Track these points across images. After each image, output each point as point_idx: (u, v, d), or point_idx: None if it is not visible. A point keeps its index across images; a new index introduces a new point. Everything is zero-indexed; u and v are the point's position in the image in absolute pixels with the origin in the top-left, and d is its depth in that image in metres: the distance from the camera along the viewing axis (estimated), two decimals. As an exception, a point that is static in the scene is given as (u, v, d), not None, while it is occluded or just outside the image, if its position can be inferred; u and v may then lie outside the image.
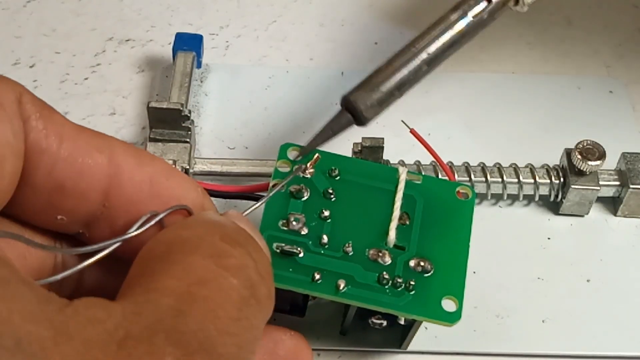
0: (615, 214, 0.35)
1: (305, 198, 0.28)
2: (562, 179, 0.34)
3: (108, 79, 0.39)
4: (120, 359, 0.17)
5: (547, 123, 0.38)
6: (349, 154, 0.33)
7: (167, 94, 0.36)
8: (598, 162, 0.33)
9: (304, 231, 0.27)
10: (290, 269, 0.26)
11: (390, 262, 0.27)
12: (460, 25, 0.30)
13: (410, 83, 0.30)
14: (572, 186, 0.34)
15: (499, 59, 0.41)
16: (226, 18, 0.42)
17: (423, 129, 0.32)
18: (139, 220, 0.21)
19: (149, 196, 0.22)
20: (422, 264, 0.27)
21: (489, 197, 0.35)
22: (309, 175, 0.29)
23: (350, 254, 0.27)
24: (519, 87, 0.40)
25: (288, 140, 0.30)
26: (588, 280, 0.33)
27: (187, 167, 0.34)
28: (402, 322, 0.28)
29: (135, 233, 0.21)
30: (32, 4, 0.42)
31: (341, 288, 0.26)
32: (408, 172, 0.29)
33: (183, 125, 0.34)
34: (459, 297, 0.27)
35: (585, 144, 0.34)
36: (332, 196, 0.28)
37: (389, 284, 0.27)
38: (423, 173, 0.33)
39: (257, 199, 0.28)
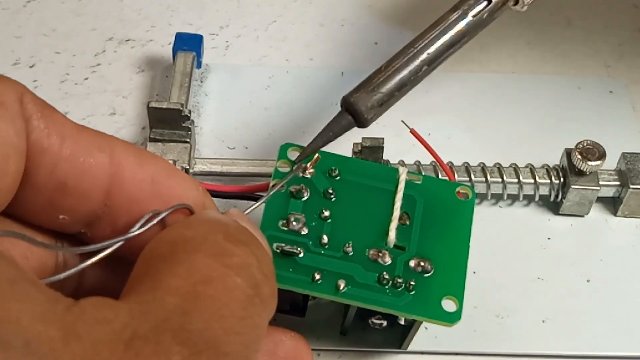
0: (615, 214, 0.35)
1: (305, 198, 0.28)
2: (562, 179, 0.34)
3: (108, 79, 0.39)
4: (128, 358, 0.17)
5: (547, 123, 0.38)
6: (349, 154, 0.33)
7: (167, 94, 0.36)
8: (598, 162, 0.33)
9: (304, 231, 0.27)
10: (290, 269, 0.26)
11: (390, 262, 0.27)
12: (460, 25, 0.30)
13: (410, 84, 0.30)
14: (572, 186, 0.34)
15: (499, 59, 0.41)
16: (226, 18, 0.42)
17: (423, 129, 0.32)
18: (141, 219, 0.21)
19: (151, 195, 0.22)
20: (422, 264, 0.27)
21: (489, 197, 0.35)
22: (309, 175, 0.29)
23: (351, 254, 0.27)
24: (519, 87, 0.40)
25: (288, 141, 0.30)
26: (588, 280, 0.33)
27: (187, 167, 0.34)
28: (402, 322, 0.28)
29: (138, 232, 0.21)
30: (32, 4, 0.42)
31: (341, 288, 0.26)
32: (408, 172, 0.29)
33: (183, 125, 0.34)
34: (459, 297, 0.27)
35: (585, 144, 0.34)
36: (332, 196, 0.28)
37: (389, 284, 0.27)
38: (423, 173, 0.33)
39: (257, 199, 0.28)
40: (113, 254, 0.21)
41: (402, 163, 0.34)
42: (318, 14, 0.43)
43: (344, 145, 0.31)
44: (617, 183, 0.34)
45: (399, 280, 0.27)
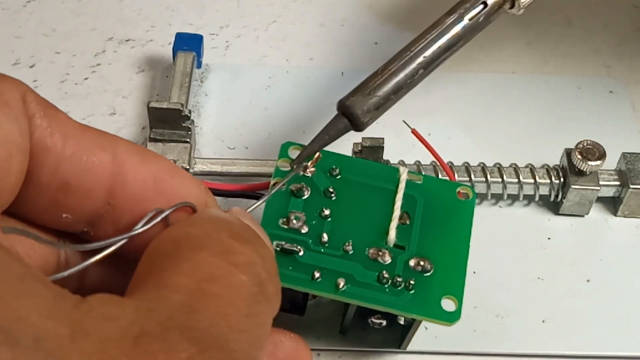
0: (615, 214, 0.35)
1: (305, 197, 0.28)
2: (562, 179, 0.34)
3: (108, 79, 0.39)
4: (136, 355, 0.17)
5: (547, 123, 0.38)
6: (350, 154, 0.33)
7: (167, 94, 0.36)
8: (598, 162, 0.33)
9: (304, 229, 0.27)
10: (290, 267, 0.26)
11: (390, 261, 0.27)
12: (456, 28, 0.30)
13: (407, 87, 0.30)
14: (572, 186, 0.34)
15: (499, 59, 0.41)
16: (226, 18, 0.42)
17: (423, 129, 0.32)
18: (144, 217, 0.21)
19: (153, 194, 0.22)
20: (422, 263, 0.27)
21: (489, 197, 0.35)
22: (309, 174, 0.29)
23: (350, 252, 0.27)
24: (519, 87, 0.40)
25: (288, 140, 0.30)
26: (588, 280, 0.33)
27: (187, 167, 0.34)
28: (401, 321, 0.28)
29: (142, 229, 0.21)
30: (32, 4, 0.42)
31: (341, 287, 0.26)
32: (409, 172, 0.29)
33: (183, 125, 0.34)
34: (458, 297, 0.27)
35: (585, 144, 0.34)
36: (332, 195, 0.28)
37: (389, 283, 0.27)
38: (423, 173, 0.33)
39: (257, 197, 0.28)
40: (115, 252, 0.21)
41: (402, 163, 0.34)
42: (318, 14, 0.43)
43: (344, 145, 0.31)
44: (617, 183, 0.34)
45: (399, 280, 0.27)
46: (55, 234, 0.23)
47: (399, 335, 0.30)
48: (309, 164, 0.29)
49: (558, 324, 0.32)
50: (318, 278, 0.26)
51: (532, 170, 0.34)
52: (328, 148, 0.29)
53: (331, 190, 0.28)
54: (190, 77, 0.37)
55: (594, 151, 0.33)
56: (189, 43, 0.38)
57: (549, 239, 0.34)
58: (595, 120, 0.38)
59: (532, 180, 0.34)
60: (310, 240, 0.27)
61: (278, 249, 0.27)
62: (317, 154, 0.29)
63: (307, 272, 0.26)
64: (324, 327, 0.30)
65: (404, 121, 0.32)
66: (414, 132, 0.32)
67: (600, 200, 0.35)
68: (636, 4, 0.44)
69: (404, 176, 0.29)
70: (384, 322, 0.28)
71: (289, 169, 0.28)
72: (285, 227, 0.27)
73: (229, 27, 0.42)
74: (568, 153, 0.34)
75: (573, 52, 0.41)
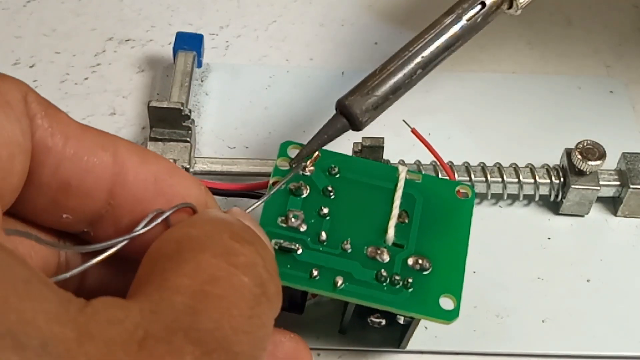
0: (615, 214, 0.35)
1: (304, 195, 0.28)
2: (562, 179, 0.34)
3: (108, 79, 0.39)
4: (141, 358, 0.17)
5: (547, 123, 0.38)
6: (349, 153, 0.33)
7: (167, 94, 0.36)
8: (598, 162, 0.33)
9: (303, 228, 0.27)
10: (289, 266, 0.26)
11: (388, 259, 0.27)
12: (455, 28, 0.30)
13: (405, 87, 0.30)
14: (572, 186, 0.34)
15: (499, 59, 0.41)
16: (226, 18, 0.42)
17: (423, 129, 0.32)
18: (145, 218, 0.21)
19: (154, 194, 0.22)
20: (420, 261, 0.27)
21: (489, 197, 0.35)
22: (308, 173, 0.29)
23: (349, 251, 0.27)
24: (519, 87, 0.40)
25: (288, 140, 0.30)
26: (588, 280, 0.33)
27: (188, 166, 0.34)
28: (401, 321, 0.28)
29: (143, 230, 0.21)
30: (32, 4, 0.42)
31: (339, 285, 0.26)
32: (408, 170, 0.29)
33: (183, 124, 0.34)
34: (457, 295, 0.27)
35: (585, 144, 0.34)
36: (331, 194, 0.28)
37: (387, 282, 0.27)
38: (423, 172, 0.33)
39: (257, 197, 0.28)
40: (115, 253, 0.21)
41: (402, 163, 0.34)
42: (318, 14, 0.43)
43: (344, 145, 0.31)
44: (617, 183, 0.34)
45: (397, 278, 0.27)
46: (55, 234, 0.23)
47: (399, 334, 0.30)
48: (308, 163, 0.29)
49: (558, 324, 0.31)
50: (316, 276, 0.26)
51: (532, 170, 0.34)
52: (328, 147, 0.29)
53: (330, 189, 0.28)
54: (190, 77, 0.37)
55: (594, 151, 0.33)
56: (189, 42, 0.38)
57: (549, 239, 0.34)
58: (595, 120, 0.38)
59: (532, 180, 0.34)
60: (309, 239, 0.27)
61: (277, 247, 0.27)
62: (316, 153, 0.29)
63: (306, 271, 0.26)
64: (323, 327, 0.30)
65: (403, 120, 0.32)
66: (413, 131, 0.32)
67: (600, 200, 0.35)
68: (636, 4, 0.44)
69: (402, 175, 0.29)
70: (384, 322, 0.28)
71: (288, 168, 0.29)
72: (284, 225, 0.27)
73: (229, 27, 0.42)
74: (568, 153, 0.34)
75: (573, 52, 0.41)
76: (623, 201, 0.34)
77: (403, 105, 0.31)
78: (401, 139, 0.33)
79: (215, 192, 0.30)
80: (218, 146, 0.37)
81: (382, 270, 0.27)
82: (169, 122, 0.34)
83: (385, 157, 0.33)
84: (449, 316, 0.26)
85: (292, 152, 0.29)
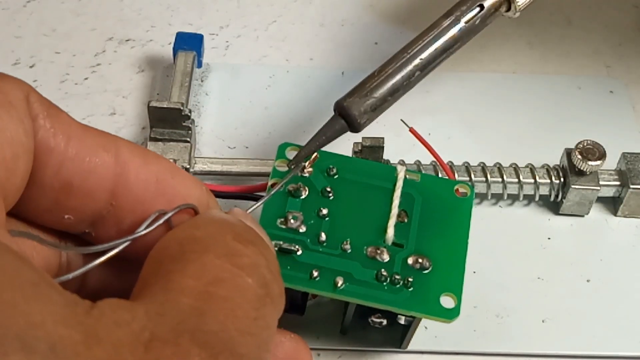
0: (615, 214, 0.35)
1: (303, 196, 0.28)
2: (562, 179, 0.34)
3: (108, 79, 0.39)
4: None
5: (547, 123, 0.38)
6: (349, 153, 0.33)
7: (167, 94, 0.36)
8: (598, 162, 0.33)
9: (302, 229, 0.27)
10: (289, 267, 0.26)
11: (388, 259, 0.27)
12: (453, 31, 0.30)
13: (403, 89, 0.30)
14: (572, 186, 0.34)
15: (499, 59, 0.41)
16: (226, 18, 0.42)
17: (423, 129, 0.32)
18: (147, 219, 0.21)
19: (155, 195, 0.22)
20: (420, 261, 0.27)
21: (489, 197, 0.35)
22: (307, 174, 0.29)
23: (349, 251, 0.27)
24: (519, 87, 0.40)
25: (288, 140, 0.30)
26: (588, 280, 0.33)
27: (188, 166, 0.34)
28: (401, 321, 0.28)
29: (146, 231, 0.21)
30: (32, 4, 0.42)
31: (339, 285, 0.26)
32: (407, 170, 0.29)
33: (183, 124, 0.34)
34: (457, 294, 0.27)
35: (585, 144, 0.34)
36: (330, 194, 0.28)
37: (387, 281, 0.27)
38: (423, 172, 0.33)
39: (256, 198, 0.28)
40: (117, 254, 0.21)
41: (402, 163, 0.34)
42: (318, 14, 0.43)
43: (344, 145, 0.31)
44: (617, 183, 0.34)
45: (397, 277, 0.27)
46: (57, 235, 0.23)
47: (399, 334, 0.30)
48: (307, 164, 0.29)
49: (558, 324, 0.32)
50: (316, 277, 0.26)
51: (532, 170, 0.34)
52: (327, 147, 0.29)
53: (329, 189, 0.28)
54: (190, 77, 0.37)
55: (594, 151, 0.33)
56: (189, 42, 0.38)
57: (549, 239, 0.34)
58: (595, 120, 0.38)
59: (532, 180, 0.34)
60: (309, 240, 0.27)
61: (276, 248, 0.27)
62: (315, 154, 0.29)
63: (306, 272, 0.26)
64: (324, 327, 0.30)
65: (401, 120, 0.32)
66: (411, 130, 0.32)
67: (600, 200, 0.35)
68: (636, 4, 0.44)
69: (401, 174, 0.29)
70: (384, 322, 0.28)
71: (286, 169, 0.29)
72: (283, 227, 0.27)
73: (229, 27, 0.42)
74: (568, 153, 0.34)
75: (573, 52, 0.41)
76: (623, 201, 0.34)
77: (403, 106, 0.31)
78: (401, 139, 0.33)
79: (214, 194, 0.30)
80: (218, 146, 0.37)
81: (382, 270, 0.27)
82: (169, 122, 0.34)
83: (385, 157, 0.33)
84: (450, 315, 0.26)
85: (290, 154, 0.29)
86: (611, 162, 0.34)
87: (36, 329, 0.16)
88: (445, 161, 0.33)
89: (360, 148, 0.33)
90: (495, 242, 0.34)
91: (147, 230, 0.21)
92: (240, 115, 0.38)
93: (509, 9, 0.31)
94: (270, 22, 0.42)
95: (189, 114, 0.34)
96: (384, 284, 0.27)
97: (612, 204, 0.35)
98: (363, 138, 0.33)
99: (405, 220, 0.28)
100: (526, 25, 0.42)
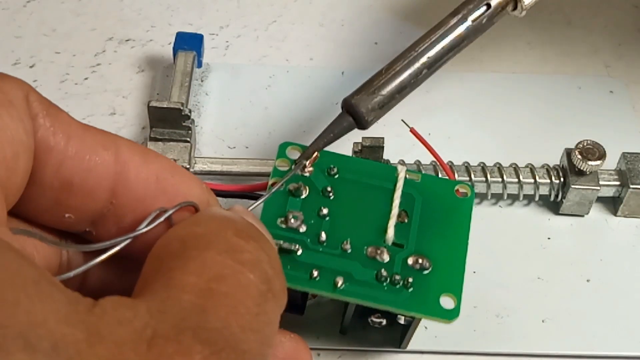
0: (615, 214, 0.35)
1: (304, 196, 0.28)
2: (562, 179, 0.34)
3: (108, 79, 0.39)
4: (151, 358, 0.17)
5: (547, 123, 0.38)
6: (350, 153, 0.33)
7: (167, 94, 0.36)
8: (598, 162, 0.33)
9: (302, 229, 0.27)
10: (289, 267, 0.26)
11: (388, 259, 0.27)
12: (460, 29, 0.30)
13: (410, 86, 0.30)
14: (572, 186, 0.34)
15: (499, 59, 0.41)
16: (226, 18, 0.42)
17: (423, 129, 0.32)
18: (148, 216, 0.21)
19: (155, 193, 0.22)
20: (420, 261, 0.27)
21: (489, 197, 0.35)
22: (307, 174, 0.29)
23: (349, 251, 0.27)
24: (519, 87, 0.40)
25: (288, 140, 0.30)
26: (588, 280, 0.33)
27: (188, 166, 0.34)
28: (401, 321, 0.28)
29: (146, 229, 0.21)
30: (32, 4, 0.42)
31: (339, 285, 0.26)
32: (407, 170, 0.29)
33: (183, 124, 0.34)
34: (457, 295, 0.27)
35: (585, 144, 0.34)
36: (330, 194, 0.28)
37: (387, 281, 0.27)
38: (423, 172, 0.33)
39: (256, 197, 0.28)
40: (117, 252, 0.21)
41: (402, 163, 0.34)
42: (318, 14, 0.43)
43: (344, 145, 0.31)
44: (617, 183, 0.34)
45: (397, 277, 0.27)
46: (57, 234, 0.23)
47: (399, 334, 0.30)
48: (307, 163, 0.29)
49: (558, 324, 0.31)
50: (316, 277, 0.26)
51: (532, 170, 0.34)
52: (328, 147, 0.29)
53: (329, 189, 0.28)
54: (190, 77, 0.37)
55: (594, 151, 0.33)
56: (189, 42, 0.38)
57: (549, 239, 0.34)
58: (595, 120, 0.38)
59: (532, 180, 0.34)
60: (309, 239, 0.27)
61: (276, 248, 0.26)
62: (315, 153, 0.29)
63: (306, 271, 0.26)
64: (324, 327, 0.30)
65: (402, 120, 0.32)
66: (412, 130, 0.32)
67: (600, 200, 0.35)
68: (636, 4, 0.44)
69: (401, 174, 0.29)
70: (384, 321, 0.28)
71: (287, 169, 0.29)
72: (284, 226, 0.27)
73: (229, 27, 0.42)
74: (568, 153, 0.34)
75: (573, 52, 0.41)
76: (623, 201, 0.34)
77: (403, 106, 0.31)
78: (401, 139, 0.33)
79: (214, 193, 0.30)
80: (218, 146, 0.37)
81: (382, 270, 0.27)
82: (169, 122, 0.34)
83: (385, 157, 0.33)
84: (450, 315, 0.26)
85: (291, 153, 0.29)
86: (611, 162, 0.34)
87: (38, 327, 0.16)
88: (445, 161, 0.33)
89: (360, 148, 0.33)
90: (495, 242, 0.34)
91: (148, 228, 0.21)
92: (240, 115, 0.38)
93: (515, 8, 0.31)
94: (270, 22, 0.42)
95: (189, 114, 0.34)
96: (384, 284, 0.27)
97: (612, 204, 0.35)
98: (363, 138, 0.33)
99: (406, 221, 0.28)
100: (526, 25, 0.42)
